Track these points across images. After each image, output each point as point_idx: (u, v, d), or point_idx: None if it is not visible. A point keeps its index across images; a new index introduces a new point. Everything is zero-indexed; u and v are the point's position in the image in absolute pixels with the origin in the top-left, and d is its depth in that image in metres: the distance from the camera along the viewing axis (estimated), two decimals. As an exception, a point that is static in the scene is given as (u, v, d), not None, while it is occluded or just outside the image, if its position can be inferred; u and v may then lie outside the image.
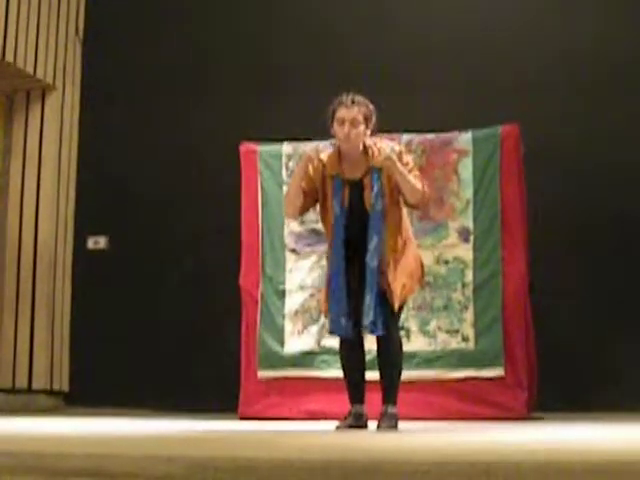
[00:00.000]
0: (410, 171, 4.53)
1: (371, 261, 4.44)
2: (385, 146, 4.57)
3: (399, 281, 4.51)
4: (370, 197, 4.50)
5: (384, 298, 4.46)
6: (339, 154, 4.61)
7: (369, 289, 4.42)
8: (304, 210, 4.72)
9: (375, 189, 4.50)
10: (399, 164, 4.46)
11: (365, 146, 4.57)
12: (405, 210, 4.68)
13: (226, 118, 7.35)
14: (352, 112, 4.50)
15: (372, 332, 4.47)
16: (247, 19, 7.67)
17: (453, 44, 7.07)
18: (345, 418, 4.65)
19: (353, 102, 4.53)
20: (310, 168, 4.60)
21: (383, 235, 4.49)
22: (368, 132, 4.58)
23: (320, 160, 4.61)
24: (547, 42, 6.94)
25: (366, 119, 4.53)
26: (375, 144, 4.58)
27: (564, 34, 6.92)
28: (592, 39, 6.83)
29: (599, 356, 6.37)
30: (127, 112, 7.78)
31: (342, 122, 4.50)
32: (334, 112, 4.56)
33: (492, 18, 7.14)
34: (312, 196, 4.64)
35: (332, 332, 4.64)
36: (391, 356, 4.62)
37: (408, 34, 7.19)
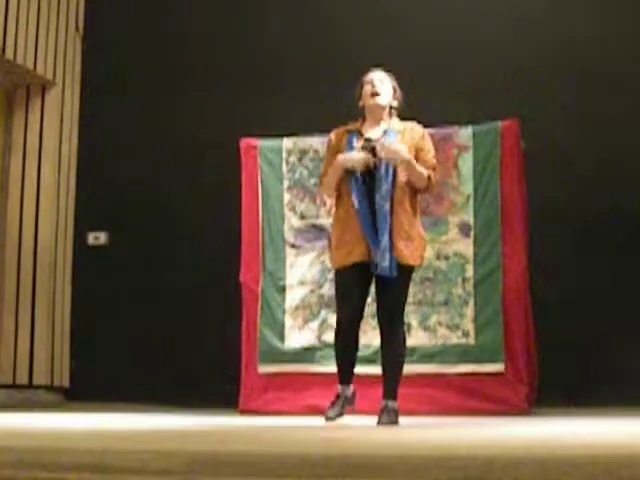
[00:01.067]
0: (427, 154, 4.75)
1: (383, 204, 4.57)
2: (399, 145, 4.67)
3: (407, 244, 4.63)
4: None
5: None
6: (363, 120, 4.85)
7: (382, 231, 4.54)
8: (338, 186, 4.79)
9: (392, 142, 4.66)
10: (407, 161, 4.61)
11: (389, 117, 4.83)
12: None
13: (226, 113, 7.34)
14: (380, 74, 4.82)
15: (389, 273, 4.52)
16: (247, 16, 7.65)
17: (453, 40, 7.06)
18: (333, 404, 4.76)
19: (380, 71, 4.86)
20: (333, 138, 4.88)
21: (393, 184, 4.62)
22: (395, 103, 4.84)
23: (344, 130, 4.87)
24: (546, 38, 6.93)
25: (394, 89, 4.84)
26: (406, 126, 4.81)
27: (563, 30, 6.90)
28: (592, 35, 6.82)
29: (600, 351, 6.36)
30: (127, 108, 7.78)
31: (370, 81, 4.80)
32: (362, 82, 4.84)
33: (493, 14, 7.13)
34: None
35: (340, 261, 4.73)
36: (394, 351, 4.66)
37: (408, 30, 7.18)
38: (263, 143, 6.40)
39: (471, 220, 5.95)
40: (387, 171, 4.62)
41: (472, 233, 5.94)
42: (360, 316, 4.74)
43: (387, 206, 4.57)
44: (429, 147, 4.80)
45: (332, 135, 4.93)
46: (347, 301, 4.69)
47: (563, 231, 6.53)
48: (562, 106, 6.76)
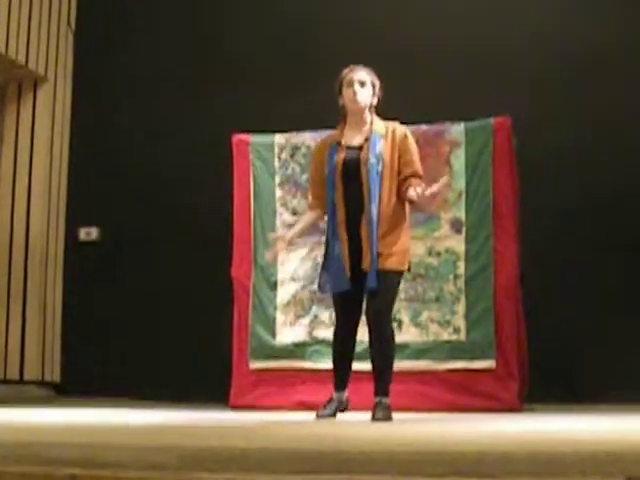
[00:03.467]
0: (412, 157, 4.72)
1: (372, 212, 4.58)
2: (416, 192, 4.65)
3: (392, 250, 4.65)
4: (368, 156, 4.64)
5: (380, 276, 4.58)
6: (344, 124, 4.83)
7: (372, 247, 4.56)
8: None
9: (377, 149, 4.66)
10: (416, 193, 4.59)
11: (370, 115, 4.80)
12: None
13: (218, 110, 7.33)
14: (360, 74, 4.77)
15: (370, 284, 4.56)
16: (239, 15, 7.66)
17: (445, 37, 7.08)
18: (325, 405, 4.78)
19: (361, 68, 4.80)
20: (316, 150, 4.92)
21: (380, 194, 4.62)
22: (375, 100, 4.80)
23: (323, 141, 4.91)
24: (536, 37, 6.95)
25: (373, 85, 4.78)
26: (388, 127, 4.79)
27: (554, 30, 6.93)
28: (579, 35, 6.85)
29: (592, 348, 6.38)
30: (119, 103, 7.78)
31: (350, 83, 4.75)
32: (342, 80, 4.79)
33: (485, 14, 7.14)
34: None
35: (324, 292, 4.92)
36: (383, 348, 4.66)
37: (402, 27, 7.19)
38: (255, 139, 6.39)
39: (463, 216, 5.95)
40: (379, 182, 4.62)
41: (464, 229, 5.94)
42: (357, 320, 4.79)
43: (375, 221, 4.59)
44: (413, 149, 4.76)
45: (316, 146, 4.96)
46: (344, 314, 4.79)
47: (555, 229, 6.54)
48: (554, 104, 6.78)
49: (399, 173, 4.70)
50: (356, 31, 7.16)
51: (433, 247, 5.96)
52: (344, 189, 4.67)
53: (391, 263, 4.61)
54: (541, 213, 6.39)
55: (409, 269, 4.85)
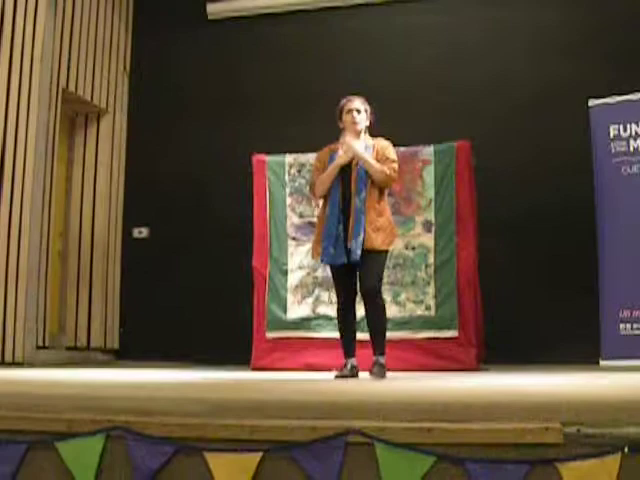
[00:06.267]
0: (386, 160, 4.68)
1: (361, 206, 4.56)
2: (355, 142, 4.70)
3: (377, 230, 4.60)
4: (356, 164, 4.65)
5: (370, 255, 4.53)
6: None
7: (357, 226, 4.52)
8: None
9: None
10: (361, 155, 4.64)
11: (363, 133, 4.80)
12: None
13: (242, 136, 7.33)
14: (356, 103, 4.77)
15: (353, 257, 4.49)
16: (260, 58, 7.67)
17: (420, 81, 7.11)
18: (342, 369, 4.64)
19: (356, 98, 4.80)
20: (318, 162, 4.86)
21: (367, 189, 4.60)
22: (367, 122, 4.80)
23: (328, 149, 4.85)
24: (492, 80, 6.97)
25: (365, 110, 4.79)
26: (375, 141, 4.79)
27: (506, 74, 6.95)
28: (525, 78, 6.86)
29: (533, 320, 6.39)
30: (165, 130, 7.77)
31: (350, 111, 4.76)
32: (342, 108, 4.79)
33: (452, 61, 7.14)
34: None
35: (323, 261, 4.73)
36: (376, 315, 4.58)
37: (386, 70, 7.19)
38: (270, 159, 6.38)
39: (432, 219, 5.94)
40: (363, 180, 4.61)
41: (433, 229, 5.93)
42: (354, 295, 4.69)
43: (363, 207, 4.56)
44: (392, 155, 4.74)
45: (318, 154, 4.91)
46: (340, 288, 4.71)
47: (504, 229, 6.54)
48: (506, 131, 6.80)
49: None
50: (347, 76, 7.08)
51: (409, 242, 5.95)
52: (340, 184, 4.65)
53: (376, 243, 4.55)
54: (493, 216, 6.39)
55: (390, 243, 4.74)
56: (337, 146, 4.80)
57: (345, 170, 4.68)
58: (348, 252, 4.54)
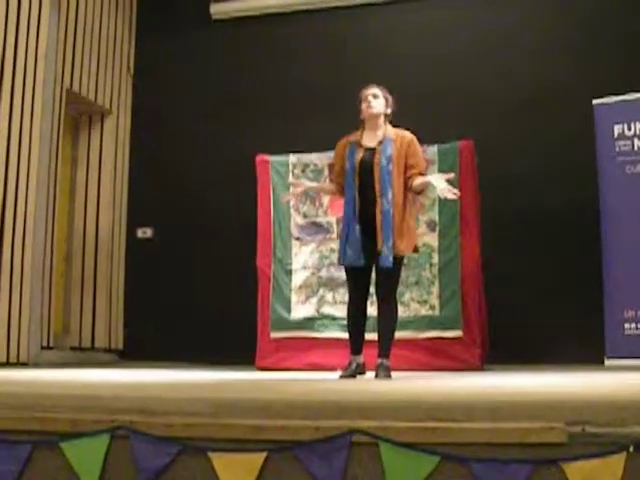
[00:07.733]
0: (418, 159, 4.57)
1: (389, 208, 4.41)
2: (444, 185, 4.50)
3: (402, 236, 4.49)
4: (380, 159, 4.49)
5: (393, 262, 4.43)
6: (363, 129, 4.67)
7: (387, 232, 4.39)
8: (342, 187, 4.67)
9: (388, 152, 4.50)
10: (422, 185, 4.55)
11: (384, 123, 4.63)
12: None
13: (245, 137, 7.33)
14: (372, 89, 4.64)
15: (384, 264, 4.38)
16: (266, 67, 7.67)
17: (428, 81, 7.09)
18: (347, 367, 4.60)
19: (374, 85, 4.68)
20: (338, 147, 4.70)
21: (392, 188, 4.45)
22: (388, 110, 4.66)
23: (346, 140, 4.68)
24: (497, 81, 6.96)
25: (385, 99, 4.64)
26: (398, 133, 4.63)
27: (511, 76, 6.94)
28: (529, 80, 6.86)
29: (537, 321, 6.38)
30: (168, 131, 7.79)
31: (365, 98, 4.63)
32: (360, 97, 4.66)
33: (461, 61, 7.13)
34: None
35: (341, 263, 4.59)
36: (388, 320, 4.55)
37: (393, 70, 7.14)
38: (273, 159, 6.38)
39: (437, 218, 5.94)
40: (388, 179, 4.46)
41: (437, 228, 5.93)
42: (366, 296, 4.63)
43: (392, 209, 4.43)
44: (418, 151, 4.60)
45: (339, 142, 4.73)
46: (354, 287, 4.63)
47: (508, 228, 6.53)
48: (510, 131, 6.79)
49: (405, 171, 4.53)
50: (351, 77, 7.04)
51: (414, 242, 5.94)
52: (360, 184, 4.51)
53: (400, 249, 4.46)
54: (497, 216, 6.38)
55: (416, 250, 4.69)
56: (356, 137, 4.65)
57: (362, 167, 4.53)
58: (369, 254, 4.45)
